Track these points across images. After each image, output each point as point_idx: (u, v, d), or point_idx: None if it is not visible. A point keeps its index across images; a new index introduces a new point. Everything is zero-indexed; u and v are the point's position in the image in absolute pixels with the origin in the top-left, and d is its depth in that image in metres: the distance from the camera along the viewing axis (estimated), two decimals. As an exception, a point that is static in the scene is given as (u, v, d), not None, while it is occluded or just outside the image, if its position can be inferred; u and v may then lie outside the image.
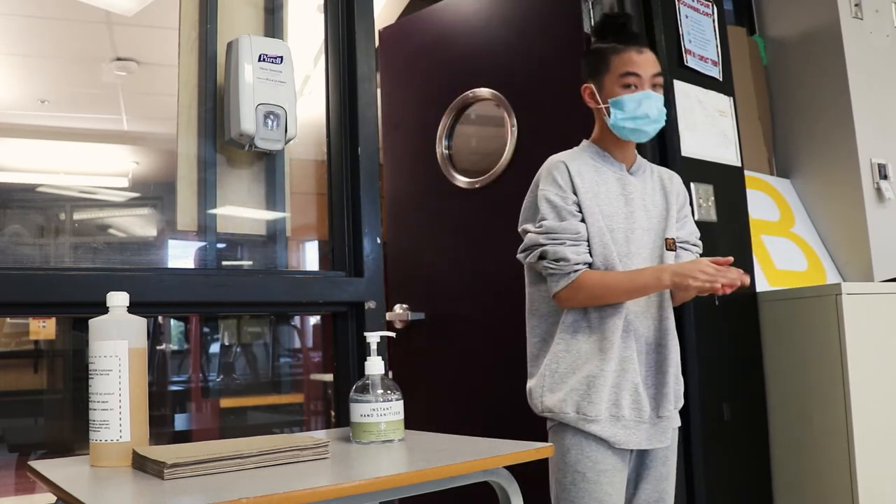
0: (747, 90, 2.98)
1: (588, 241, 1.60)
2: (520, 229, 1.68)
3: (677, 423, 1.70)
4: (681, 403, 1.70)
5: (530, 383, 1.67)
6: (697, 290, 1.55)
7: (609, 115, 1.65)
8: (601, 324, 1.60)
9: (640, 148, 2.19)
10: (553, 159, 1.67)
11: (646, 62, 1.67)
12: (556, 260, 1.57)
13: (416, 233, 2.77)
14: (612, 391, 1.57)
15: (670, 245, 1.69)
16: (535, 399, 1.64)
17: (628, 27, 1.71)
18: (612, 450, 1.58)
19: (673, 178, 1.80)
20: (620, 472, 1.60)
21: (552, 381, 1.61)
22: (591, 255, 1.60)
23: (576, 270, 1.57)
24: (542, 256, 1.59)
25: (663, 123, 1.67)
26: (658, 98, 1.66)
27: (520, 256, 1.67)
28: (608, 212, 1.63)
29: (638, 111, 1.63)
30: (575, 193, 1.61)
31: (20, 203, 1.98)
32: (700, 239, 1.80)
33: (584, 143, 1.75)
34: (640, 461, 1.65)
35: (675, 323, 1.71)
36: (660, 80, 1.68)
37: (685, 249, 1.76)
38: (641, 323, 1.64)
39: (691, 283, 1.51)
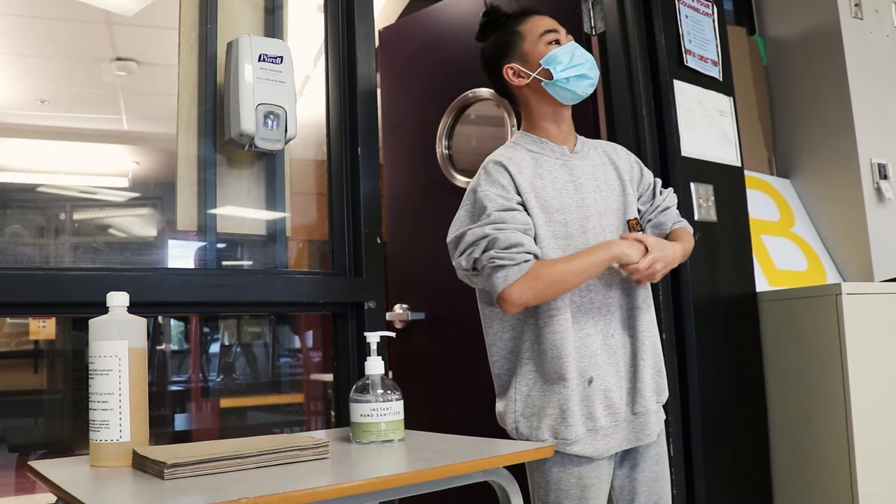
0: (747, 90, 2.98)
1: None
2: (449, 239, 1.51)
3: (661, 417, 1.61)
4: (664, 397, 1.60)
5: (499, 406, 1.56)
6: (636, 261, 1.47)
7: (552, 76, 1.55)
8: (554, 339, 1.47)
9: (640, 148, 2.21)
10: (489, 161, 1.54)
11: (554, 22, 1.62)
12: (508, 247, 1.41)
13: (416, 233, 2.77)
14: (584, 406, 1.48)
15: (633, 226, 1.59)
16: (508, 424, 1.53)
17: (509, 14, 1.65)
18: (594, 460, 1.50)
19: (618, 151, 1.70)
20: (605, 481, 1.53)
21: (524, 407, 1.50)
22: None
23: (527, 260, 1.42)
24: (487, 249, 1.42)
25: (598, 72, 1.61)
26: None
27: (459, 261, 1.48)
28: (558, 205, 1.51)
29: (574, 60, 1.57)
30: (519, 194, 1.48)
31: (20, 203, 1.98)
32: (665, 187, 1.72)
33: (518, 134, 1.63)
34: (631, 463, 1.58)
35: (653, 313, 1.61)
36: (572, 38, 1.63)
37: (663, 210, 1.68)
38: (605, 316, 1.53)
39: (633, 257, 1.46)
